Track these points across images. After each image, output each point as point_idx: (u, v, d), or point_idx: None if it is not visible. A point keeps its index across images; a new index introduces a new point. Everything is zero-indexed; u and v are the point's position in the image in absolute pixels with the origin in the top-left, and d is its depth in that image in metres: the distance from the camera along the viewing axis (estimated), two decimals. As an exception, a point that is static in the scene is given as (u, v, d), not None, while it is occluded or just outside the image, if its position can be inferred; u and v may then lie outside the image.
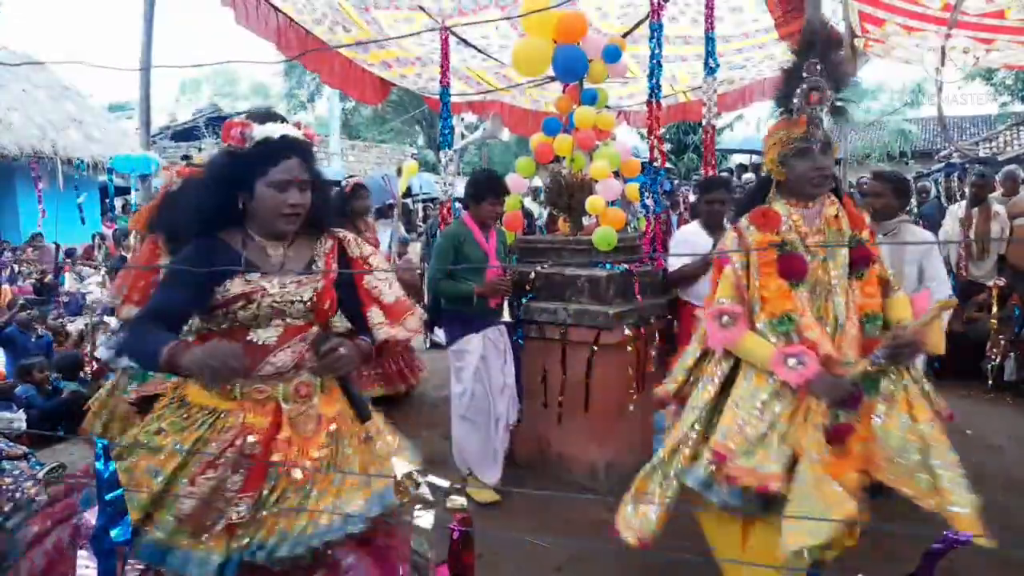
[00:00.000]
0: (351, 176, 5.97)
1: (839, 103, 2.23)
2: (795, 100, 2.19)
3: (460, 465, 3.71)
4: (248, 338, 1.84)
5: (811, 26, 2.40)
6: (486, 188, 3.66)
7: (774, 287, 2.18)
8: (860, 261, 2.23)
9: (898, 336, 2.08)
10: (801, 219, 2.25)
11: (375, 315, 2.00)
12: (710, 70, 4.07)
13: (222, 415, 1.81)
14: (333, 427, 1.91)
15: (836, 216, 2.27)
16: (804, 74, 2.19)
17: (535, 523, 3.36)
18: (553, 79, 5.01)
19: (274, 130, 1.81)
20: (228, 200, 1.84)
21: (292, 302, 1.87)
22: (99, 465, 1.45)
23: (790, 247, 2.20)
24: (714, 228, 3.90)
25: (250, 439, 1.78)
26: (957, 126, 22.96)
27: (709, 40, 4.06)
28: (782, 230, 2.23)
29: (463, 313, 3.61)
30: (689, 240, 3.93)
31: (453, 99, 5.36)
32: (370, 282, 2.01)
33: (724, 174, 12.54)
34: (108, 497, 1.46)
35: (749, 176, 10.69)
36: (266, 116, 1.85)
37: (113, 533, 1.46)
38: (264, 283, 1.84)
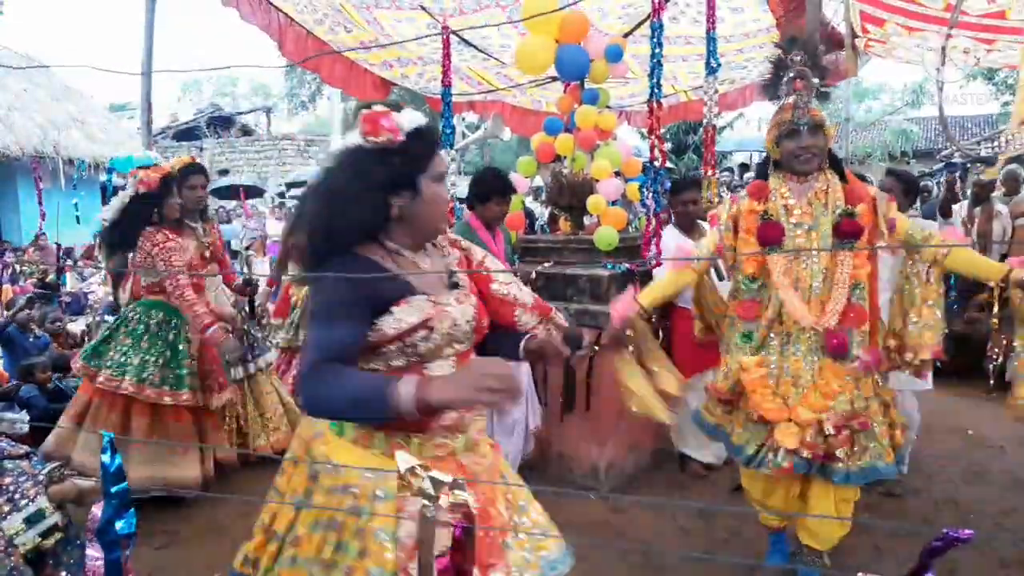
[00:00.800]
0: None
1: (823, 89, 2.50)
2: (782, 87, 2.48)
3: None
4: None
5: (791, 26, 2.73)
6: (491, 187, 3.62)
7: (749, 250, 2.53)
8: (847, 233, 2.43)
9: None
10: (790, 192, 2.52)
11: (525, 318, 1.76)
12: (711, 70, 4.07)
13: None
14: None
15: (825, 190, 2.49)
16: (788, 64, 2.47)
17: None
18: (555, 79, 5.01)
19: (415, 118, 1.56)
20: (385, 206, 1.54)
21: (461, 323, 1.59)
22: (105, 458, 1.46)
23: (771, 216, 2.51)
24: (688, 229, 3.93)
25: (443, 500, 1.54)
26: (959, 125, 22.96)
27: (710, 40, 4.05)
28: (770, 200, 2.53)
29: None
30: (672, 246, 3.92)
31: (454, 99, 5.36)
32: (499, 288, 1.75)
33: (725, 173, 12.55)
34: (114, 490, 1.47)
35: (751, 175, 10.71)
36: (395, 105, 1.58)
37: (118, 525, 1.47)
38: (444, 304, 1.55)
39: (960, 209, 6.46)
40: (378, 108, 1.52)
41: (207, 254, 3.93)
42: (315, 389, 1.40)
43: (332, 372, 1.39)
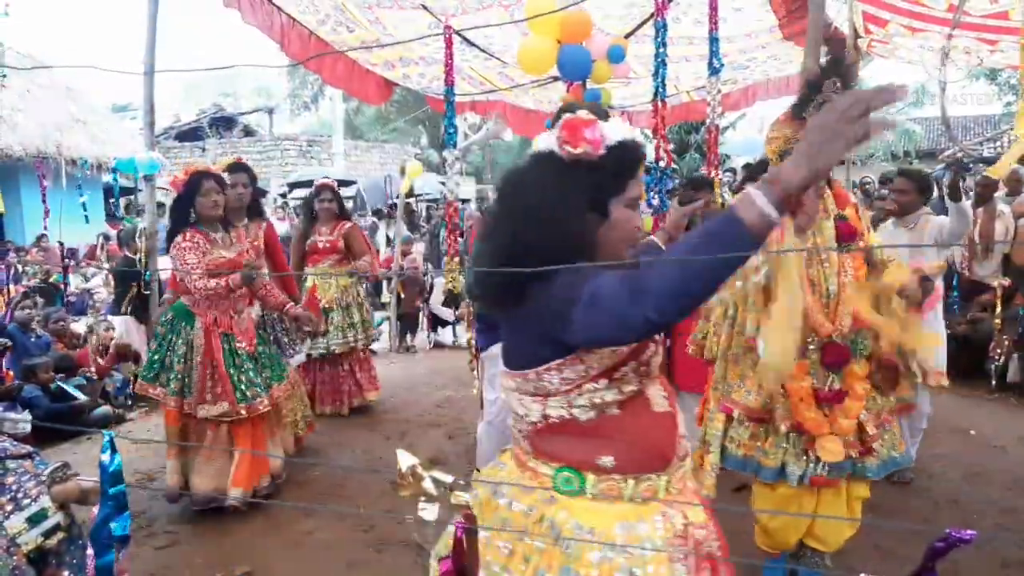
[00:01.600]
0: (325, 177, 6.06)
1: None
2: (810, 109, 2.37)
3: (480, 467, 3.65)
4: (651, 406, 1.37)
5: (838, 46, 2.62)
6: None
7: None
8: (846, 235, 2.45)
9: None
10: None
11: None
12: (714, 70, 4.06)
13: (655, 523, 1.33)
14: None
15: (822, 195, 2.48)
16: (823, 88, 2.34)
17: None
18: (556, 79, 5.01)
19: (621, 130, 1.34)
20: (587, 228, 1.32)
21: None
22: (104, 458, 1.45)
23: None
24: None
25: (699, 532, 1.36)
26: (961, 126, 22.91)
27: (713, 40, 4.05)
28: None
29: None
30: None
31: (457, 99, 5.36)
32: None
33: (728, 173, 12.52)
34: (112, 491, 1.46)
35: (752, 176, 10.68)
36: (599, 110, 1.38)
37: (113, 526, 1.47)
38: None
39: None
40: (583, 115, 1.33)
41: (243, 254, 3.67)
42: (651, 283, 1.09)
43: (642, 270, 1.14)
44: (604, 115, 1.36)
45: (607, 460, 1.32)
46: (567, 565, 1.27)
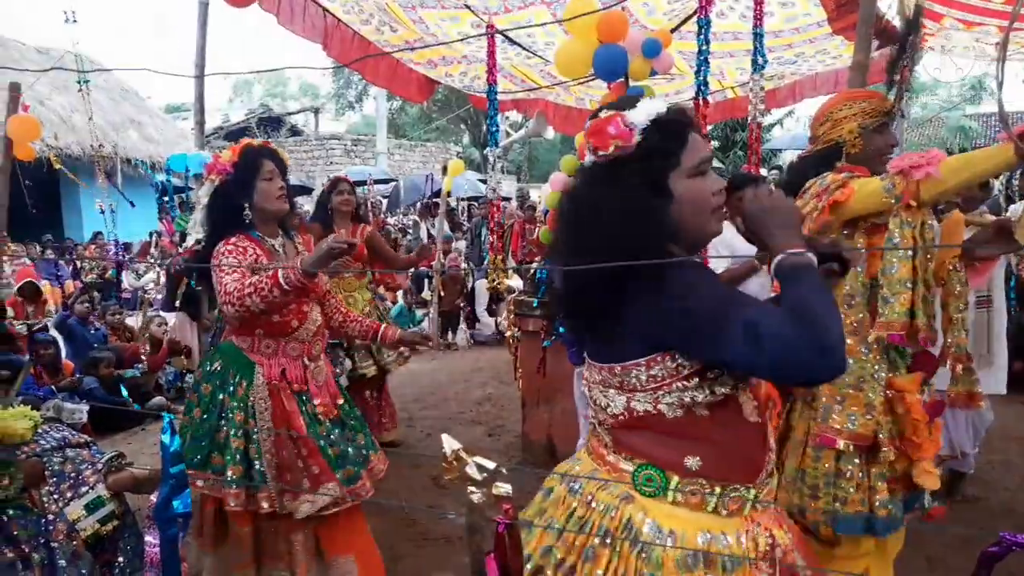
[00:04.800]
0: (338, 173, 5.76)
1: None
2: (897, 71, 2.24)
3: None
4: (743, 414, 1.31)
5: (890, 41, 2.45)
6: None
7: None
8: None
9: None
10: None
11: None
12: (758, 66, 4.00)
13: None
14: None
15: None
16: (907, 49, 2.21)
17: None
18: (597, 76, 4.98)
19: (651, 107, 1.30)
20: (661, 216, 1.29)
21: None
22: (164, 438, 1.52)
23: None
24: None
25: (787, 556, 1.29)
26: (1022, 121, 22.03)
27: (757, 36, 3.99)
28: None
29: None
30: (727, 243, 3.75)
31: (499, 97, 5.37)
32: None
33: (774, 172, 12.30)
34: (173, 470, 1.54)
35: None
36: (627, 99, 1.36)
37: (175, 504, 1.54)
38: None
39: (1020, 208, 6.21)
40: (605, 114, 1.31)
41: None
42: (832, 334, 1.09)
43: (775, 312, 1.14)
44: (632, 102, 1.32)
45: (694, 461, 1.27)
46: (644, 570, 1.22)
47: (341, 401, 2.52)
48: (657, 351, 1.25)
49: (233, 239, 2.28)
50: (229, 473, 2.22)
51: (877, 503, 2.00)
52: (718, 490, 1.26)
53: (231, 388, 2.31)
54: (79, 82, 4.57)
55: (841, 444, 2.04)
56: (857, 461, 2.04)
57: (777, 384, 1.30)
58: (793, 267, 1.18)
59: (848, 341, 2.03)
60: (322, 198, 4.33)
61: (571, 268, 1.27)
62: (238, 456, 2.24)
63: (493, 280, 4.71)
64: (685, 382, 1.25)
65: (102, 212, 7.38)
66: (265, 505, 2.26)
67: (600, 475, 1.34)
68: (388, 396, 4.57)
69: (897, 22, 4.67)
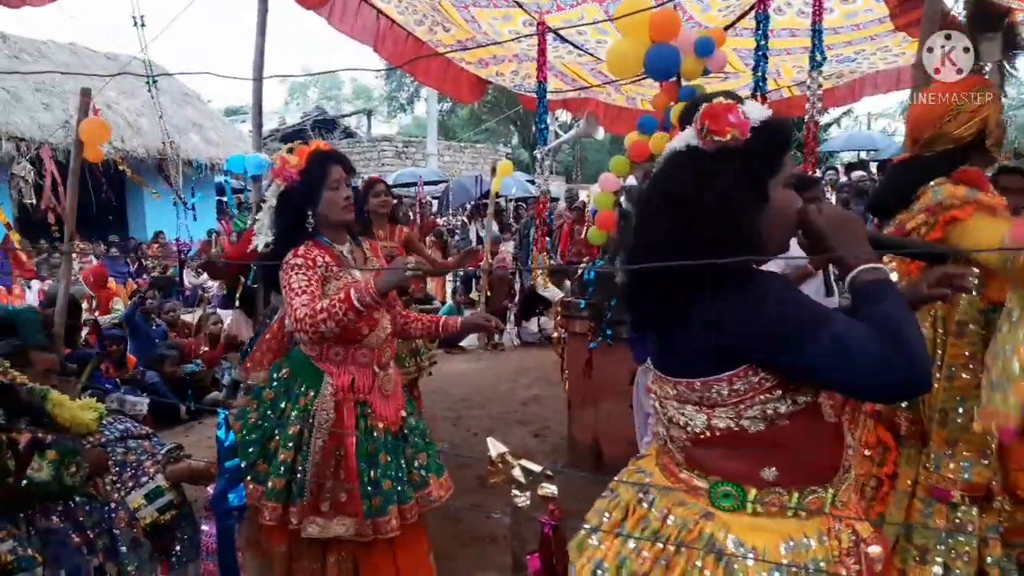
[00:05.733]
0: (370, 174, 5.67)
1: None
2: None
3: None
4: (822, 416, 1.28)
5: (907, 16, 2.26)
6: None
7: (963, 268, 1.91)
8: None
9: None
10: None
11: None
12: (815, 64, 3.90)
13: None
14: None
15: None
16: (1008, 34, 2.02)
17: (624, 525, 3.33)
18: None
19: (762, 110, 1.29)
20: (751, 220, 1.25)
21: None
22: (220, 434, 1.57)
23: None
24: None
25: (872, 549, 1.27)
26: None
27: (816, 33, 3.89)
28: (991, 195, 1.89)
29: None
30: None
31: (548, 96, 5.37)
32: None
33: (831, 172, 11.97)
34: (227, 465, 1.59)
35: (860, 173, 10.13)
36: (733, 95, 1.33)
37: (231, 497, 1.59)
38: None
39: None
40: (722, 100, 1.27)
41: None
42: (917, 354, 1.12)
43: (865, 328, 1.14)
44: (739, 98, 1.31)
45: (770, 472, 1.25)
46: None
47: (405, 414, 2.37)
48: (739, 365, 1.22)
49: (301, 249, 2.20)
50: (270, 484, 2.14)
51: (989, 560, 1.81)
52: (796, 495, 1.25)
53: (295, 397, 2.22)
54: (148, 82, 4.73)
55: (956, 496, 1.84)
56: (974, 512, 1.84)
57: (858, 399, 1.27)
58: (874, 283, 1.19)
59: (962, 375, 1.86)
60: (358, 199, 4.18)
61: (634, 268, 1.26)
62: (282, 468, 2.15)
63: (539, 277, 4.70)
64: (768, 395, 1.22)
65: (175, 205, 7.65)
66: (295, 521, 2.15)
67: (675, 493, 1.31)
68: (420, 405, 4.34)
69: (963, 18, 4.50)
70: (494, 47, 5.45)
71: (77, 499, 2.27)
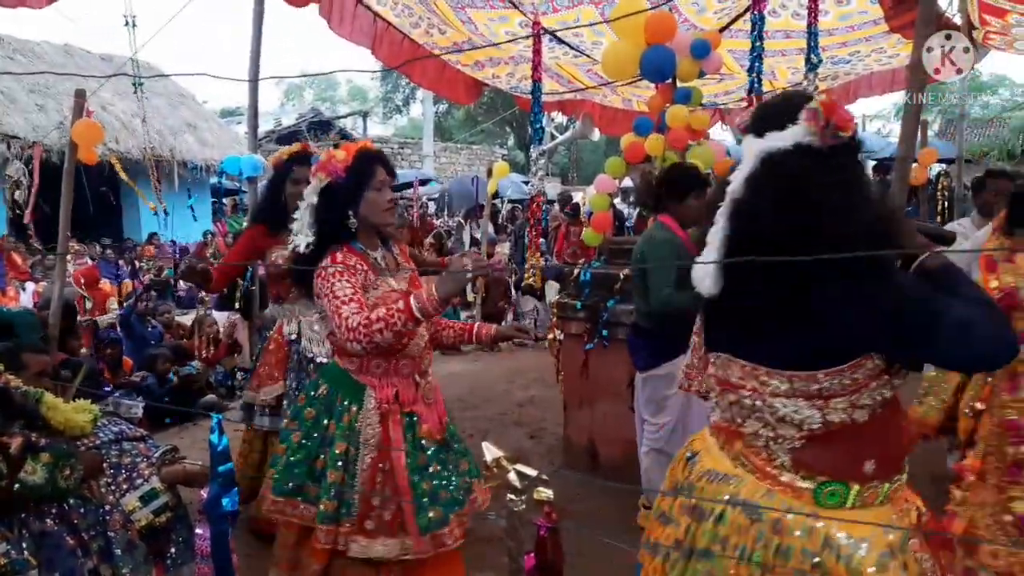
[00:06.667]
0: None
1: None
2: None
3: (650, 498, 3.25)
4: (899, 404, 1.36)
5: (902, 18, 2.28)
6: (690, 183, 3.19)
7: None
8: None
9: None
10: None
11: None
12: (811, 66, 3.92)
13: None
14: None
15: None
16: None
17: (621, 526, 3.33)
18: (645, 77, 4.95)
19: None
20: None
21: None
22: (213, 438, 1.56)
23: None
24: None
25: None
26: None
27: (811, 35, 3.91)
28: None
29: (669, 330, 2.96)
30: None
31: (544, 98, 5.38)
32: None
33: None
34: (221, 469, 1.58)
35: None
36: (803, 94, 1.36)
37: (224, 502, 1.58)
38: None
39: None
40: (826, 98, 1.28)
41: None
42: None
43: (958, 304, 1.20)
44: (810, 97, 1.33)
45: (870, 466, 1.29)
46: None
47: (446, 420, 2.28)
48: (862, 353, 1.26)
49: (339, 255, 2.06)
50: (322, 507, 2.01)
51: None
52: (887, 486, 1.31)
53: (338, 413, 2.09)
54: (134, 83, 4.73)
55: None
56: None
57: (966, 372, 1.40)
58: (946, 266, 1.28)
59: None
60: None
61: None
62: (332, 491, 2.01)
63: (530, 277, 4.71)
64: (878, 381, 1.27)
65: (155, 214, 7.63)
66: (343, 541, 2.02)
67: (778, 496, 1.30)
68: None
69: (957, 19, 4.52)
70: (490, 49, 5.46)
71: (71, 501, 2.26)
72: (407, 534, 2.03)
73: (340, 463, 2.04)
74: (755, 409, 1.33)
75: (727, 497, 1.32)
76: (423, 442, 2.13)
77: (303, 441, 2.11)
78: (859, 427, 1.28)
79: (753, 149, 1.33)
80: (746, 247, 1.27)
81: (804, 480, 1.29)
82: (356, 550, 2.01)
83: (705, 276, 1.34)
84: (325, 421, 2.10)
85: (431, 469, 2.12)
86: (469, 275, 1.97)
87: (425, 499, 2.06)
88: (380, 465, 2.07)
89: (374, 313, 1.93)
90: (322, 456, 2.07)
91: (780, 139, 1.29)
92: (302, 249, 2.08)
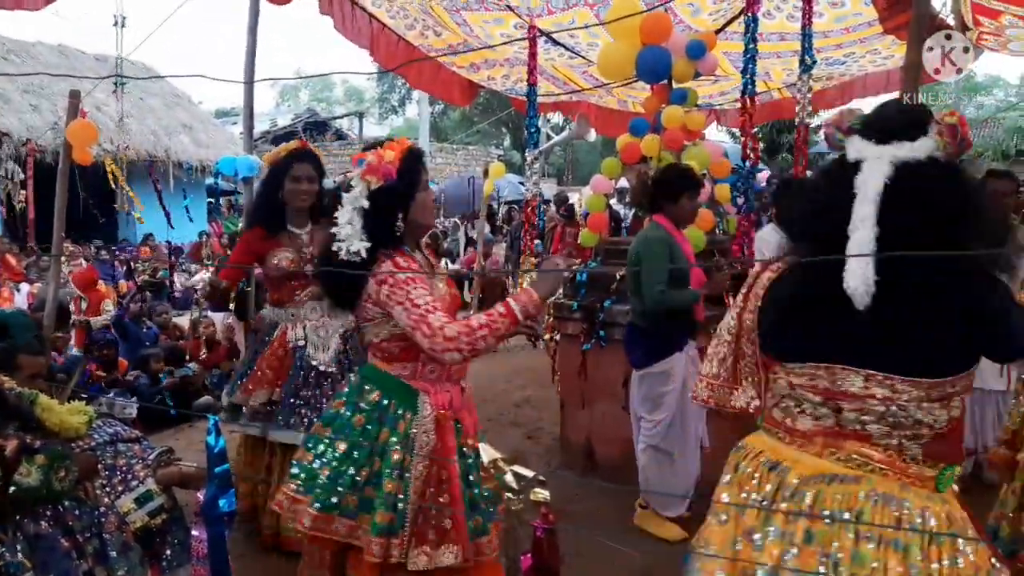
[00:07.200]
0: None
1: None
2: None
3: (647, 496, 3.34)
4: None
5: (896, 19, 2.35)
6: (683, 183, 3.24)
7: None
8: None
9: None
10: None
11: None
12: (805, 67, 3.93)
13: None
14: None
15: None
16: None
17: (618, 525, 3.33)
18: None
19: None
20: None
21: None
22: (210, 440, 1.56)
23: None
24: None
25: None
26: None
27: (805, 37, 3.92)
28: None
29: (665, 328, 3.15)
30: (771, 242, 3.66)
31: (540, 99, 5.38)
32: None
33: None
34: (217, 470, 1.57)
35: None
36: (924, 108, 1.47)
37: (221, 503, 1.58)
38: None
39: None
40: (949, 112, 1.37)
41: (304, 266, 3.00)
42: None
43: None
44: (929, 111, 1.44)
45: (964, 445, 1.45)
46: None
47: (479, 428, 2.24)
48: (976, 355, 1.38)
49: (399, 260, 1.98)
50: (377, 519, 1.89)
51: None
52: (950, 470, 1.42)
53: (392, 421, 1.99)
54: (116, 84, 4.72)
55: None
56: None
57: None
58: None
59: None
60: (339, 200, 3.81)
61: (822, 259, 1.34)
62: (390, 501, 1.92)
63: (526, 283, 4.71)
64: (970, 378, 1.40)
65: (128, 213, 7.53)
66: (395, 554, 1.91)
67: (911, 488, 1.38)
68: None
69: (951, 20, 4.54)
70: (486, 51, 5.46)
71: (66, 503, 2.25)
72: (455, 543, 1.96)
73: (396, 472, 1.94)
74: (887, 414, 1.38)
75: (862, 495, 1.36)
76: (465, 449, 2.05)
77: (351, 451, 1.96)
78: (961, 417, 1.41)
79: (875, 154, 1.37)
80: (893, 251, 1.31)
81: (929, 468, 1.39)
82: (422, 562, 1.92)
83: (861, 287, 1.33)
84: (378, 430, 1.98)
85: (471, 477, 2.05)
86: (565, 273, 1.91)
87: (470, 508, 2.00)
88: (439, 473, 1.98)
89: (474, 320, 1.88)
90: (371, 466, 1.96)
91: (913, 149, 1.35)
92: (356, 250, 1.95)
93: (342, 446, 1.96)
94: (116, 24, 4.34)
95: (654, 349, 3.18)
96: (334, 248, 1.98)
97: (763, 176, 6.96)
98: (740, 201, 3.98)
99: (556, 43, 5.49)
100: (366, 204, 1.97)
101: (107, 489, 2.38)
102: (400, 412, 1.99)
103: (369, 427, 1.98)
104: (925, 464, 1.38)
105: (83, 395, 3.33)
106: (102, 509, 2.31)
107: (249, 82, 4.40)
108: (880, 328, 1.35)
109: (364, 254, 1.95)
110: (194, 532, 1.89)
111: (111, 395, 4.87)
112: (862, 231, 1.32)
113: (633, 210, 5.16)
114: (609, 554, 3.06)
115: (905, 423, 1.37)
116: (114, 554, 2.25)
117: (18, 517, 2.14)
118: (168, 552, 2.47)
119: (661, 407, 3.19)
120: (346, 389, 2.11)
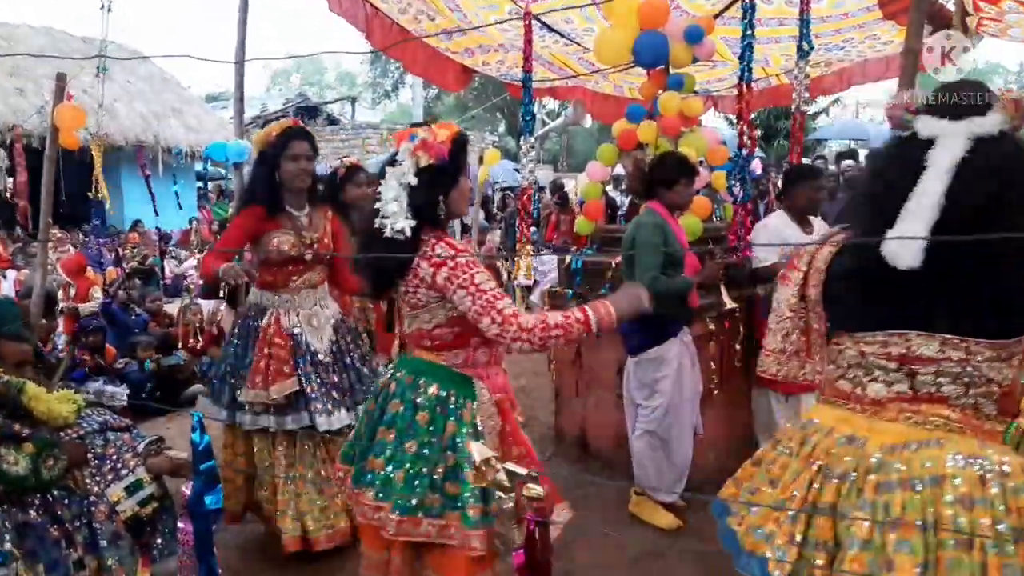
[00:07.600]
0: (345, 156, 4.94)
1: None
2: None
3: (641, 483, 3.35)
4: None
5: (943, 25, 2.37)
6: (679, 170, 3.26)
7: None
8: None
9: None
10: None
11: None
12: (802, 53, 3.90)
13: None
14: None
15: None
16: None
17: (610, 515, 3.33)
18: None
19: None
20: None
21: None
22: (195, 437, 1.53)
23: None
24: (802, 221, 3.65)
25: None
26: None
27: (804, 22, 3.88)
28: None
29: (660, 315, 3.00)
30: (778, 234, 3.57)
31: (535, 85, 5.32)
32: None
33: (819, 161, 12.00)
34: (203, 467, 1.55)
35: (850, 163, 10.13)
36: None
37: (207, 499, 1.55)
38: None
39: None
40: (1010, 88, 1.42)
41: (304, 250, 2.93)
42: None
43: None
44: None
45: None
46: None
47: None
48: None
49: (452, 242, 1.95)
50: (470, 513, 1.82)
51: None
52: (1005, 423, 1.49)
53: (455, 411, 1.93)
54: (99, 69, 4.64)
55: None
56: None
57: None
58: None
59: None
60: (333, 187, 3.53)
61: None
62: (476, 492, 1.84)
63: (520, 269, 4.68)
64: None
65: (100, 199, 7.40)
66: (499, 544, 1.87)
67: (988, 444, 1.41)
68: None
69: (951, 6, 4.50)
70: (480, 36, 5.39)
71: (55, 492, 2.23)
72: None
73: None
74: (962, 375, 1.44)
75: (949, 458, 1.38)
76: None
77: (422, 450, 1.90)
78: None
79: (950, 131, 1.42)
80: (955, 224, 1.35)
81: (999, 424, 1.46)
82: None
83: (902, 249, 1.38)
84: (445, 423, 1.92)
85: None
86: (647, 305, 1.93)
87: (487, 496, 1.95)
88: (515, 451, 2.00)
89: (551, 318, 1.85)
90: (445, 460, 1.90)
91: (987, 124, 1.41)
92: (401, 228, 1.90)
93: (412, 446, 1.90)
94: (103, 8, 4.26)
95: (649, 335, 3.20)
96: (376, 225, 1.92)
97: (757, 164, 6.93)
98: (736, 189, 3.95)
99: (551, 30, 5.43)
100: (414, 181, 1.91)
101: (97, 478, 2.35)
102: (461, 402, 1.94)
103: (434, 422, 1.92)
104: (997, 420, 1.46)
105: (71, 383, 3.29)
106: (92, 498, 2.29)
107: (240, 61, 4.33)
108: (954, 294, 1.40)
109: (408, 232, 1.89)
110: (180, 524, 1.87)
111: (100, 382, 4.83)
112: (922, 199, 1.38)
113: (629, 197, 5.13)
114: (603, 542, 3.06)
115: (979, 382, 1.43)
116: (104, 543, 2.23)
117: (6, 506, 2.11)
118: (158, 541, 2.45)
119: (657, 393, 3.22)
120: (394, 388, 2.01)
